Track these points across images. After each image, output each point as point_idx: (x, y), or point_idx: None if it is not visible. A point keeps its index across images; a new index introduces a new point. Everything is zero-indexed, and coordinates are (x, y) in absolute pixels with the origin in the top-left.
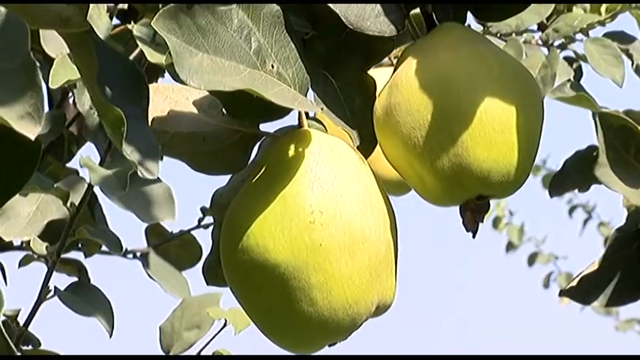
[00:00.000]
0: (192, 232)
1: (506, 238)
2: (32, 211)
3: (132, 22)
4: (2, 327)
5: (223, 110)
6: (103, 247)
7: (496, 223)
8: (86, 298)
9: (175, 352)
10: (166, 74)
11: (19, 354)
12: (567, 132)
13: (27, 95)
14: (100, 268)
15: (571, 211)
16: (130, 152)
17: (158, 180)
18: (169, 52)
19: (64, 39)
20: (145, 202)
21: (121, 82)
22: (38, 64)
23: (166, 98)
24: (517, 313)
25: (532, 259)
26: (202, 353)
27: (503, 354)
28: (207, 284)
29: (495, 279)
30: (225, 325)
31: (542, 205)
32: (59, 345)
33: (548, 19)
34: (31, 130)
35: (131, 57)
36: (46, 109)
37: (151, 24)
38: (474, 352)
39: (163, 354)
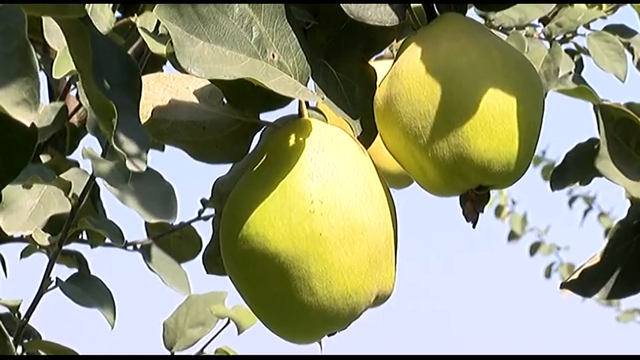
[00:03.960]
0: (193, 224)
1: (508, 227)
2: (35, 204)
3: (134, 15)
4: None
5: (224, 99)
6: (106, 240)
7: (498, 211)
8: (88, 289)
9: (178, 348)
10: (167, 65)
11: (18, 349)
12: (569, 122)
13: (23, 80)
14: (100, 261)
15: (571, 201)
16: (119, 144)
17: (160, 178)
18: (170, 41)
19: (61, 27)
20: (147, 201)
21: (114, 74)
22: (39, 56)
23: (167, 87)
24: (517, 303)
25: (534, 249)
26: (205, 351)
27: (503, 349)
28: (207, 273)
29: (496, 268)
30: (228, 322)
31: (544, 196)
32: (60, 339)
33: (550, 12)
34: (26, 117)
35: (132, 48)
36: (47, 100)
37: (153, 12)
38: (474, 342)
39: (167, 350)
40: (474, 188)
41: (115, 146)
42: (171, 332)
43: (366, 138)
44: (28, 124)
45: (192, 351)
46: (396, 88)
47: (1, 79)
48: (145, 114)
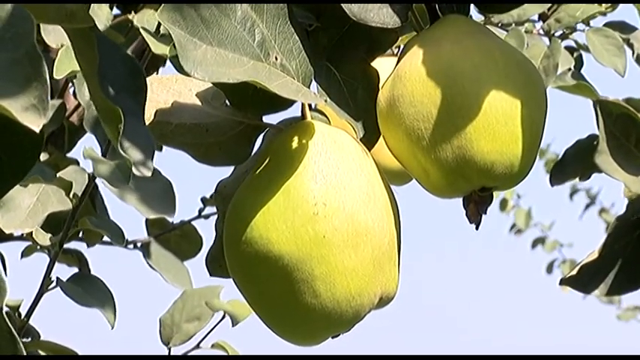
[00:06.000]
0: (193, 223)
1: (511, 220)
2: (32, 202)
3: (132, 12)
4: (5, 317)
5: (227, 102)
6: (105, 238)
7: (503, 205)
8: (88, 289)
9: (175, 343)
10: (167, 65)
11: (21, 345)
12: (574, 115)
13: (32, 86)
14: (98, 259)
15: (572, 194)
16: (125, 149)
17: (159, 174)
18: (174, 44)
19: (66, 32)
20: (146, 197)
21: (119, 77)
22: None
23: (169, 89)
24: (519, 300)
25: (536, 243)
26: (202, 345)
27: (504, 346)
28: (211, 275)
29: (498, 265)
30: (224, 316)
31: (548, 191)
32: (59, 338)
33: (549, 9)
34: (35, 123)
35: (132, 47)
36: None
37: (156, 16)
38: (474, 340)
39: (164, 346)
40: (476, 190)
41: (121, 152)
42: (167, 328)
43: (369, 140)
44: (37, 130)
45: (189, 345)
46: (398, 90)
47: (10, 85)
48: (147, 116)
